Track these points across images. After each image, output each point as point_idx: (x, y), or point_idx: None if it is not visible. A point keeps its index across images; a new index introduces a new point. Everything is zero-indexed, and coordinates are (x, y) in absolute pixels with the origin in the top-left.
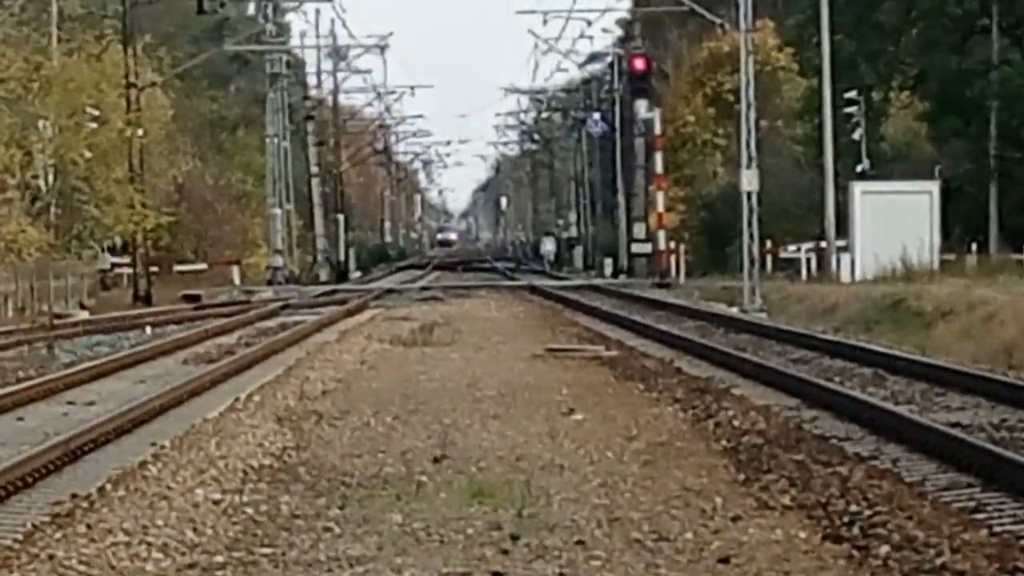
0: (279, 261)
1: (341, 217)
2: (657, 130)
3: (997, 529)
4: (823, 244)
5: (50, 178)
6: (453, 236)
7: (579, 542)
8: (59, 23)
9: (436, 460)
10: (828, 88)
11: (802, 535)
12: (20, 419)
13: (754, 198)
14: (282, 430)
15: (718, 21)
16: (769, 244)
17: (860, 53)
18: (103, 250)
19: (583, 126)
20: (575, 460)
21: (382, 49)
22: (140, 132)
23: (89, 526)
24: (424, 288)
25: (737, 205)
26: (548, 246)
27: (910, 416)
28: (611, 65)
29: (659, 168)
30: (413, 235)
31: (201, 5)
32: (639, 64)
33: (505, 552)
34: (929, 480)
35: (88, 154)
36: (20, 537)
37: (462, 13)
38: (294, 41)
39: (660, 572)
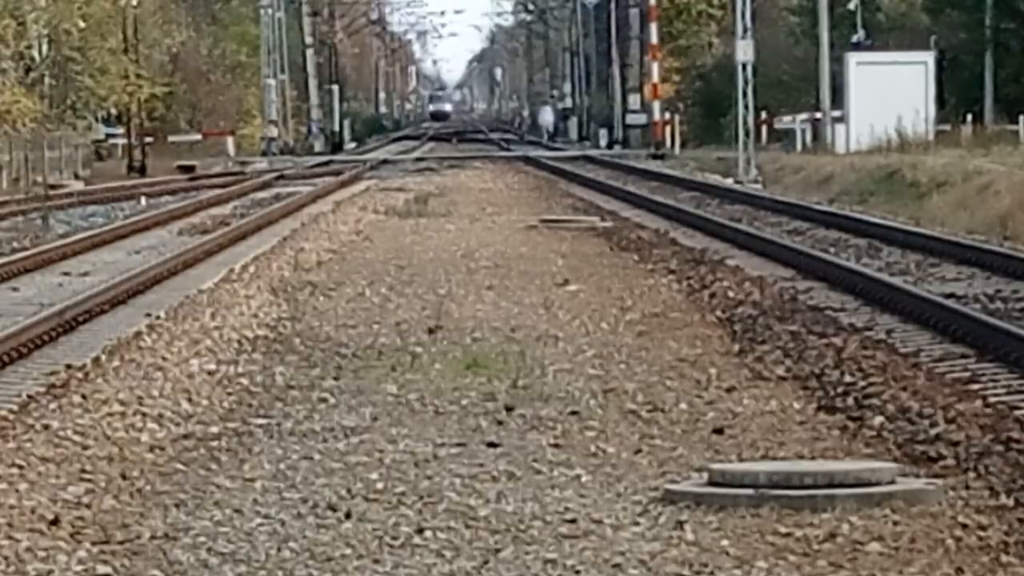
0: (274, 132)
1: (336, 88)
2: (652, 1)
3: (991, 400)
4: (818, 115)
5: (44, 48)
6: (448, 107)
7: (573, 413)
8: None
9: (431, 331)
10: None
11: (796, 406)
12: (15, 289)
13: (749, 69)
14: (277, 301)
15: None
16: (764, 115)
17: None
18: (97, 120)
19: None
20: (570, 331)
21: None
22: (134, 2)
23: (84, 396)
24: (419, 159)
25: (732, 76)
26: (547, 116)
27: (904, 287)
28: None
29: (654, 39)
30: (408, 106)
31: None
32: None
33: (500, 423)
34: (923, 351)
35: (82, 24)
36: (15, 408)
37: None
38: None
39: (655, 443)
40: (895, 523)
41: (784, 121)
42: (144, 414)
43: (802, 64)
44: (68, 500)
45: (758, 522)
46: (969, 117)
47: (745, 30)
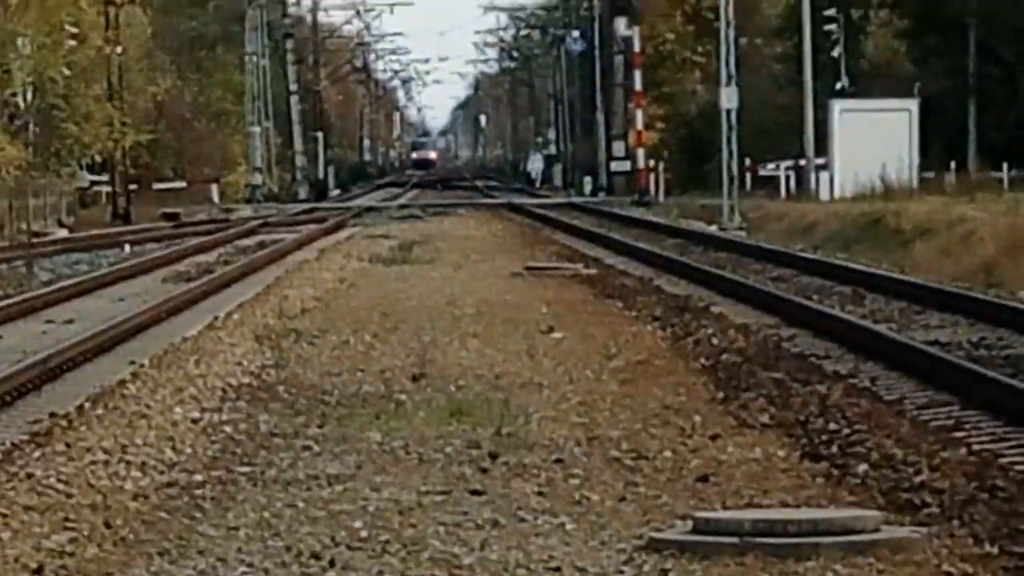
0: (258, 179)
1: (320, 135)
2: (636, 48)
3: (976, 447)
4: (802, 162)
5: (28, 96)
6: (432, 154)
7: (558, 460)
8: None
9: (415, 378)
10: (807, 5)
11: (781, 453)
12: None
13: (733, 116)
14: (261, 348)
15: None
16: (748, 162)
17: None
18: (82, 168)
19: (562, 44)
20: (554, 378)
21: None
22: (119, 50)
23: (68, 444)
24: (403, 206)
25: (716, 123)
26: (536, 163)
27: (889, 334)
28: None
29: (638, 86)
30: (392, 153)
31: None
32: None
33: (484, 471)
34: (908, 398)
35: (67, 72)
36: None
37: None
38: None
39: (639, 491)
40: (880, 571)
41: (768, 168)
42: (128, 462)
43: (786, 111)
44: (52, 549)
45: (743, 570)
46: (953, 164)
47: (729, 77)
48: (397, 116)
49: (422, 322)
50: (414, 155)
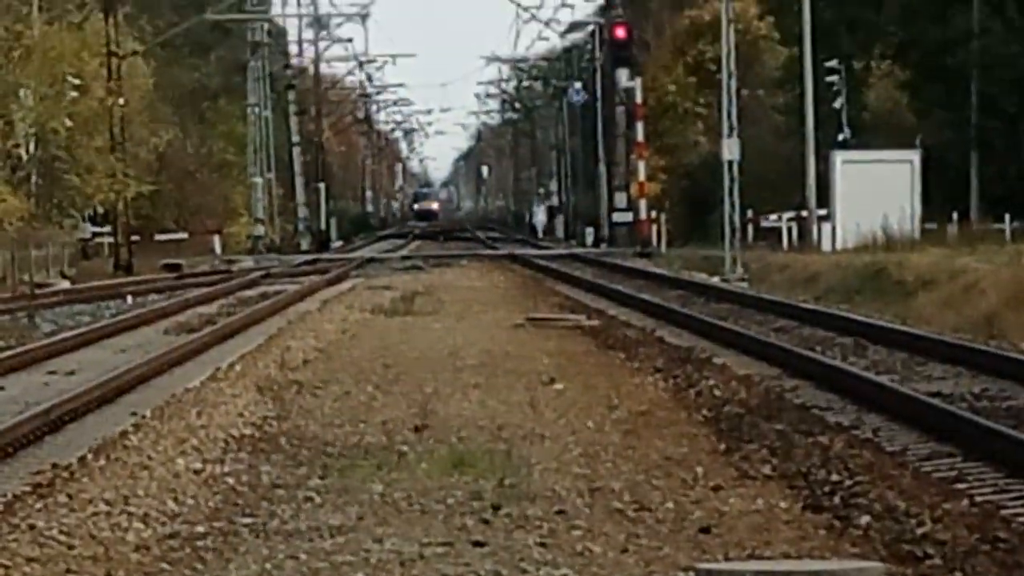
0: (260, 230)
1: (322, 186)
2: (638, 99)
3: (978, 499)
4: (804, 213)
5: (31, 147)
6: (434, 205)
7: (560, 512)
8: None
9: (417, 429)
10: (809, 57)
11: (783, 505)
12: (1, 388)
13: (735, 167)
14: (263, 400)
15: None
16: (750, 213)
17: (841, 22)
18: (84, 219)
19: (564, 95)
20: (556, 430)
21: (363, 18)
22: (121, 101)
23: (70, 496)
24: (405, 257)
25: (718, 174)
26: (540, 215)
27: (891, 385)
28: (592, 34)
29: (640, 137)
30: (395, 204)
31: None
32: (620, 33)
33: (486, 522)
34: (910, 450)
35: (69, 123)
36: (0, 507)
37: None
38: (275, 9)
39: (641, 542)
40: None
41: (770, 219)
42: (130, 513)
43: (788, 162)
44: None
45: None
46: (955, 215)
47: (731, 129)
48: (399, 167)
49: (424, 373)
50: (416, 206)
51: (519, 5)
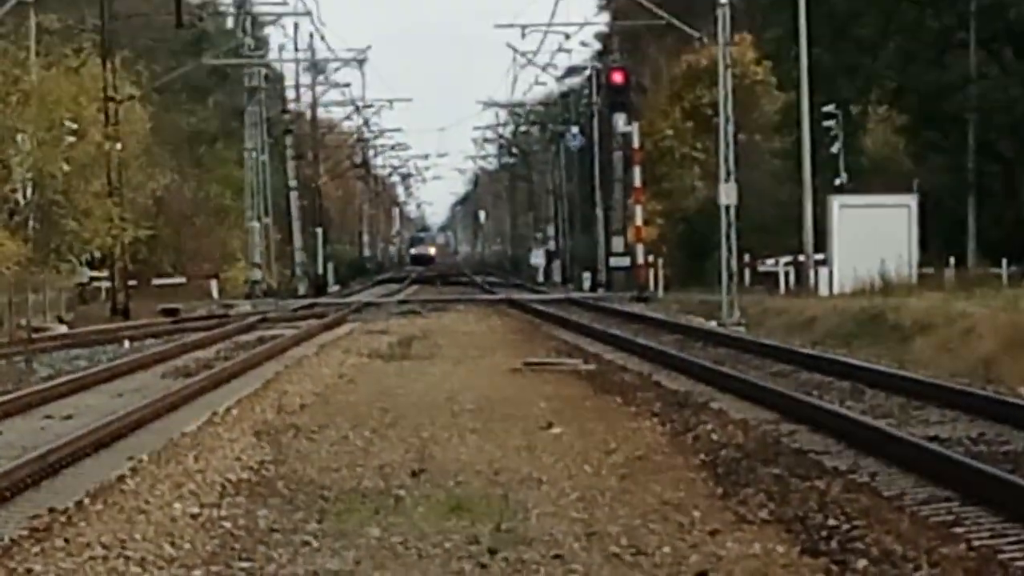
0: (257, 275)
1: (319, 230)
2: (635, 144)
3: (975, 543)
4: (801, 258)
5: (28, 192)
6: (431, 250)
7: (557, 556)
8: (37, 36)
9: (414, 474)
10: (806, 102)
11: (780, 549)
12: None
13: (732, 212)
14: (260, 444)
15: (696, 35)
16: (747, 258)
17: (838, 67)
18: (81, 264)
19: (561, 140)
20: (553, 474)
21: (360, 63)
22: (118, 146)
23: (67, 540)
24: (402, 302)
25: (715, 219)
26: (539, 259)
27: (888, 430)
28: (589, 79)
29: (637, 182)
30: (392, 248)
31: (180, 19)
32: (617, 78)
33: (483, 566)
34: (907, 494)
35: (66, 168)
36: None
37: (441, 27)
38: (272, 55)
39: None
40: None
41: (767, 264)
42: (127, 558)
43: (785, 207)
44: None
45: None
46: (952, 260)
47: (728, 173)
48: (396, 211)
49: (421, 418)
50: (413, 250)
51: (516, 50)
